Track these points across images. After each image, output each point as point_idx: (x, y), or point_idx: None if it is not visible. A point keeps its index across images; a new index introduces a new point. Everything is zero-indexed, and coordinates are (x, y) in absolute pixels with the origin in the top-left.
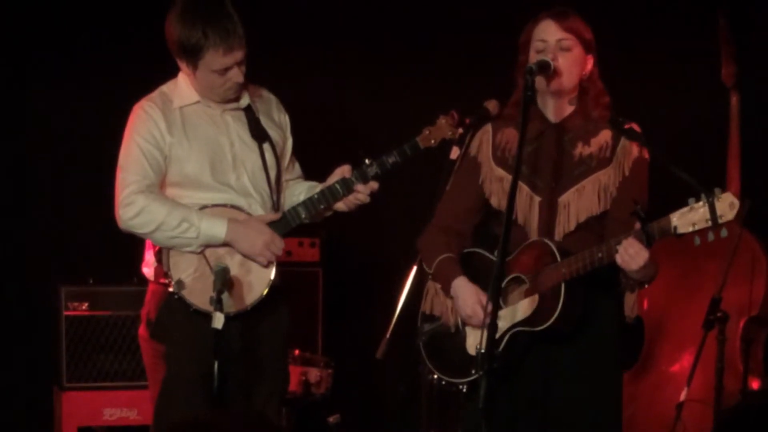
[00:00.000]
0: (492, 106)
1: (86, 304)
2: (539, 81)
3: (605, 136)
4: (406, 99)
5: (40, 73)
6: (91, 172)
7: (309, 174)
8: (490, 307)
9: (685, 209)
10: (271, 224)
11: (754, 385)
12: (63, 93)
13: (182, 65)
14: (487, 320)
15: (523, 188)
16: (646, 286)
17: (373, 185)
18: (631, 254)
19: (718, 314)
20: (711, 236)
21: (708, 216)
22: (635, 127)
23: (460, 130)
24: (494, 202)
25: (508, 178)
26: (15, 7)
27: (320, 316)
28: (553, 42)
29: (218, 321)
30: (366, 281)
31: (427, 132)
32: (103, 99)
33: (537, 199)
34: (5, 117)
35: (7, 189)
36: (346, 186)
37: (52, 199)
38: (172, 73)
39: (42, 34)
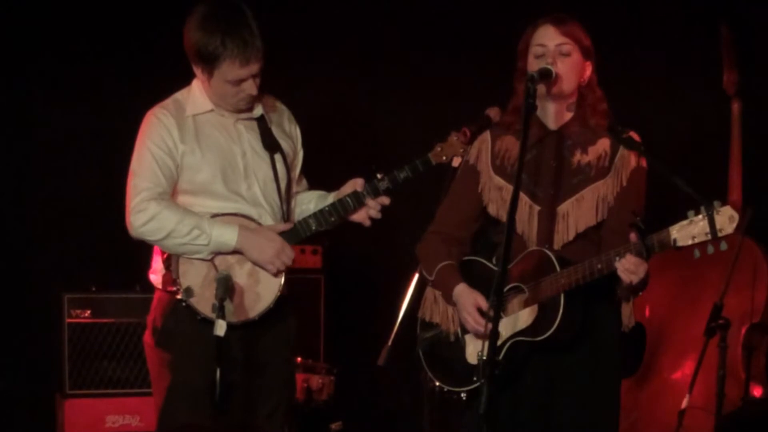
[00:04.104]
0: (494, 113)
1: (89, 312)
2: (539, 87)
3: (603, 144)
4: (415, 110)
5: (45, 78)
6: (94, 179)
7: (319, 183)
8: (491, 315)
9: (685, 222)
10: (282, 234)
11: (756, 392)
12: (67, 99)
13: (197, 71)
14: (489, 327)
15: (523, 198)
16: (640, 294)
17: (384, 200)
18: (632, 269)
19: (720, 321)
20: (711, 249)
21: (707, 229)
22: (634, 135)
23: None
24: (492, 210)
25: (507, 187)
26: (22, 9)
27: (322, 323)
28: (552, 47)
29: (220, 328)
30: (368, 288)
31: (439, 148)
32: (108, 105)
33: (536, 208)
34: (8, 123)
35: (9, 196)
36: (357, 199)
37: (55, 207)
38: (179, 80)
39: (48, 38)
